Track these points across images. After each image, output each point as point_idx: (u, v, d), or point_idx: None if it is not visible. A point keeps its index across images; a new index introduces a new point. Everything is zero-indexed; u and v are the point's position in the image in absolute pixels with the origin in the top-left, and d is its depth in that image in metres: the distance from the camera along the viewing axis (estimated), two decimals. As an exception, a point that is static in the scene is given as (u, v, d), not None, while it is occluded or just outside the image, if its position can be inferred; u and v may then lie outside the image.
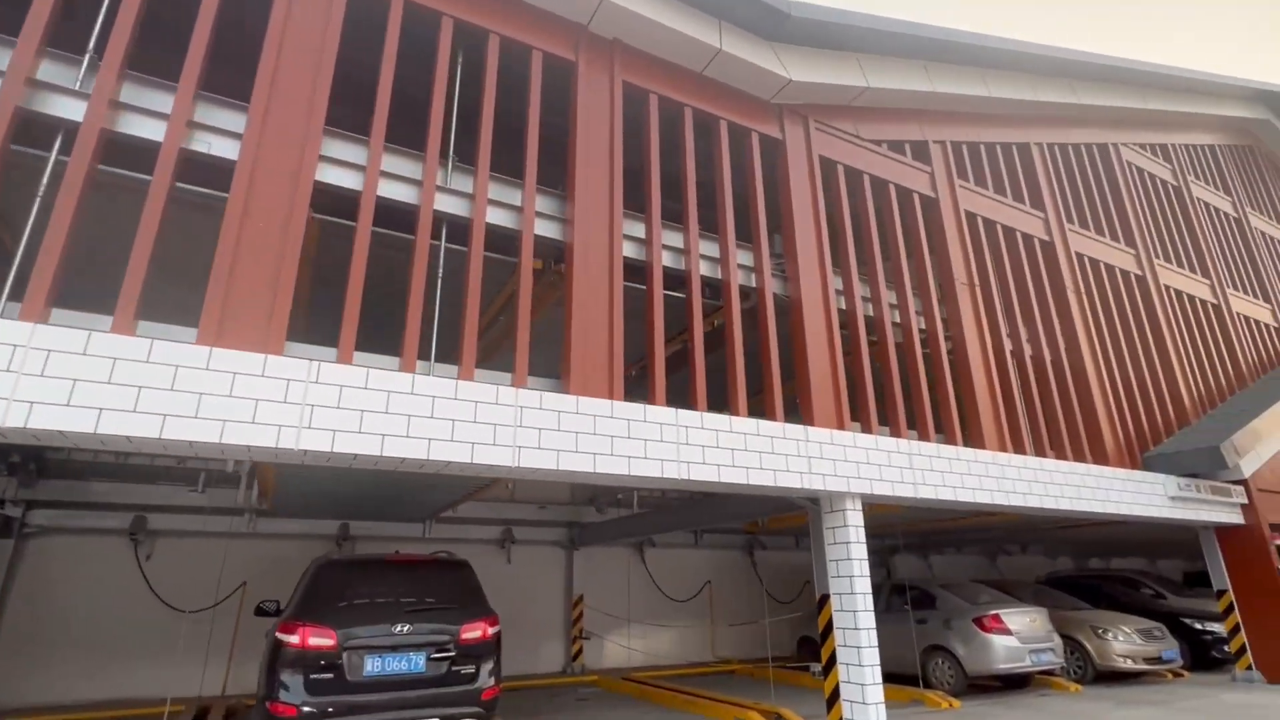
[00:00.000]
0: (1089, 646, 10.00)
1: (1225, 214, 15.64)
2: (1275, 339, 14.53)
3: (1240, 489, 10.39)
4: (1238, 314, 13.79)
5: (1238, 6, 76.01)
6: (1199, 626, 11.27)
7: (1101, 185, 12.79)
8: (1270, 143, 18.20)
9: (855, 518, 6.72)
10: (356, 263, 5.05)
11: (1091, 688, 9.64)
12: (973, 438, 8.52)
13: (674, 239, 7.05)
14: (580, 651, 12.20)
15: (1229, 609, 10.40)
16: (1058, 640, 9.41)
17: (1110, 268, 11.94)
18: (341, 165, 5.41)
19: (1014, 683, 9.79)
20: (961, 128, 10.64)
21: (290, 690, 5.16)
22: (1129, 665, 9.67)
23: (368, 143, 5.50)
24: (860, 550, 6.60)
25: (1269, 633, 9.96)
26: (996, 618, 9.00)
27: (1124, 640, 9.86)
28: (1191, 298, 13.21)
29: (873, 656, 6.29)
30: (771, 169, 8.31)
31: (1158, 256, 12.90)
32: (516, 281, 6.10)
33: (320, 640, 5.30)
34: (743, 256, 7.62)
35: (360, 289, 5.02)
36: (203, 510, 9.51)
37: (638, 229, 6.86)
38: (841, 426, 7.14)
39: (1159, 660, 9.84)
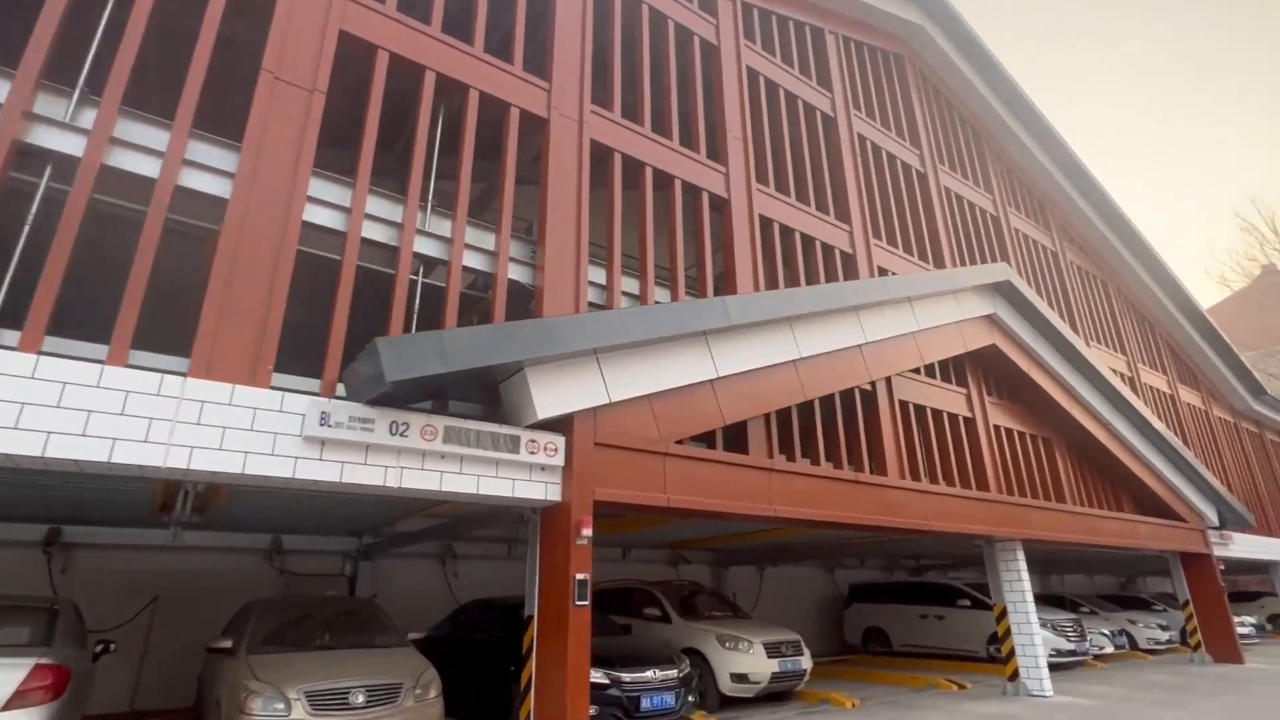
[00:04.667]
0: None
1: (823, 113, 11.86)
2: (835, 258, 10.68)
3: (556, 441, 6.02)
4: (767, 218, 9.81)
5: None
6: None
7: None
8: (927, 55, 14.82)
9: None
10: None
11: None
12: None
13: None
14: None
15: (528, 652, 6.05)
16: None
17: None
18: None
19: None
20: None
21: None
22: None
23: None
24: None
25: (553, 687, 5.64)
26: None
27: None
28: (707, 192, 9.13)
29: None
30: None
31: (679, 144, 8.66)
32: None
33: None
34: None
35: None
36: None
37: None
38: None
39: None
